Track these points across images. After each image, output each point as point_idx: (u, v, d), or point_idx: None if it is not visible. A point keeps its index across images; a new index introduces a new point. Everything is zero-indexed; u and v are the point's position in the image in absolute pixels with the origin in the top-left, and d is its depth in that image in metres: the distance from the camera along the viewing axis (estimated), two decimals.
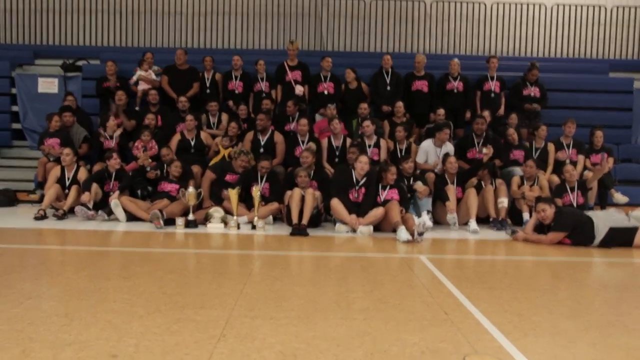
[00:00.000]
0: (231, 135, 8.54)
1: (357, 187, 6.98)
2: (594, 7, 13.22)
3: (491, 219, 7.50)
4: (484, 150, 7.91)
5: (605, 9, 13.22)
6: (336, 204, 6.81)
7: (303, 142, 8.37)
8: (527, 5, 13.28)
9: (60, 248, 5.80)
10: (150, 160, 8.00)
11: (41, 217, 7.23)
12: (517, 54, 13.15)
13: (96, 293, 3.68)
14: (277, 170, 8.16)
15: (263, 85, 9.63)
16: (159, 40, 13.21)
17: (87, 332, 2.87)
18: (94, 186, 7.49)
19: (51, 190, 7.58)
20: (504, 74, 10.00)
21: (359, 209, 6.83)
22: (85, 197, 7.31)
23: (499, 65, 9.89)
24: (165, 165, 7.88)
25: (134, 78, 9.65)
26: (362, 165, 6.95)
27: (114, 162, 7.66)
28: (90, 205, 7.34)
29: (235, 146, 8.35)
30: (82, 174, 7.83)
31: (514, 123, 9.08)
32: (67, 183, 7.78)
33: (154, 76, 9.72)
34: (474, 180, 7.80)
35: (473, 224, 7.12)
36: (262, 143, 8.43)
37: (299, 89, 9.39)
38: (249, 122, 9.03)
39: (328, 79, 9.58)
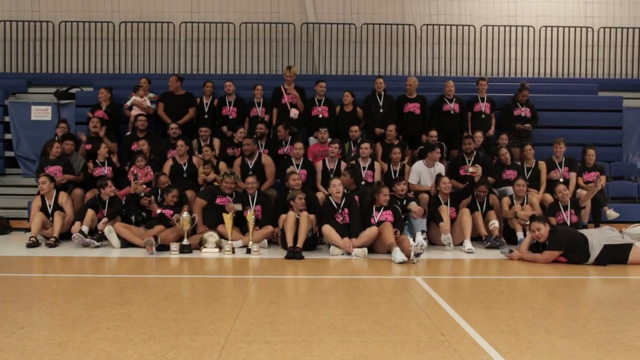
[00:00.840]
0: (207, 159, 8.56)
1: (339, 211, 7.03)
2: (581, 28, 13.44)
3: (483, 238, 7.51)
4: (470, 169, 7.95)
5: (593, 30, 13.44)
6: (328, 230, 6.83)
7: (298, 165, 8.40)
8: (516, 27, 13.49)
9: (53, 276, 5.76)
10: (144, 186, 7.97)
11: (33, 244, 7.18)
12: (507, 75, 13.32)
13: (90, 321, 3.64)
14: (270, 193, 8.16)
15: (259, 110, 9.68)
16: (152, 67, 13.30)
17: None
18: (91, 213, 7.46)
19: (36, 219, 7.54)
20: (494, 95, 10.11)
21: (350, 231, 6.84)
22: (75, 227, 7.30)
23: (489, 87, 10.00)
24: (160, 191, 7.86)
25: (128, 103, 9.68)
26: (336, 188, 7.06)
27: (109, 191, 7.65)
28: (87, 232, 7.31)
29: (215, 167, 8.41)
30: (62, 199, 7.82)
31: (505, 143, 9.15)
32: (50, 210, 7.75)
33: (148, 103, 9.76)
34: (468, 200, 7.85)
35: (468, 243, 7.13)
36: (250, 167, 8.45)
37: (293, 112, 9.45)
38: (243, 146, 9.04)
39: (322, 102, 9.65)
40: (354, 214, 7.01)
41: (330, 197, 7.16)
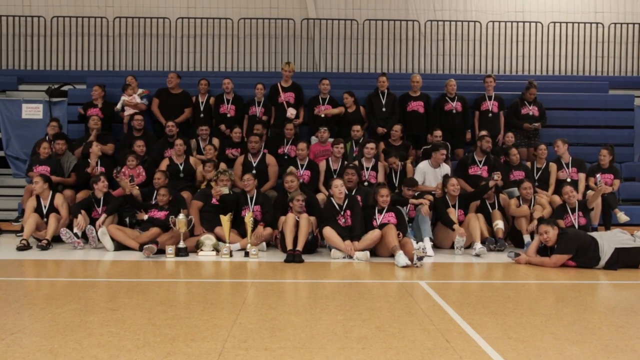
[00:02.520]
0: (210, 158, 8.56)
1: (342, 213, 7.03)
2: (591, 24, 13.44)
3: (484, 240, 7.48)
4: (495, 176, 7.90)
5: (603, 26, 13.45)
6: (329, 232, 6.81)
7: (302, 166, 8.41)
8: (523, 23, 13.49)
9: (44, 280, 5.75)
10: (137, 188, 7.93)
11: (24, 247, 7.18)
12: (514, 73, 13.34)
13: (82, 327, 3.64)
14: (270, 194, 8.16)
15: (258, 110, 9.67)
16: (148, 64, 13.32)
17: None
18: (82, 213, 7.47)
19: (30, 220, 7.53)
20: (500, 93, 10.10)
21: (352, 233, 6.84)
22: (78, 221, 7.33)
23: (495, 85, 10.00)
24: (155, 192, 7.86)
25: (119, 105, 9.67)
26: (338, 189, 7.05)
27: (102, 186, 7.66)
28: (80, 233, 7.31)
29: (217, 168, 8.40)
30: (59, 200, 7.81)
31: (511, 142, 9.14)
32: (45, 211, 7.74)
33: (138, 99, 9.73)
34: (478, 203, 7.86)
35: (478, 245, 7.09)
36: (254, 165, 8.45)
37: (290, 112, 9.44)
38: (242, 146, 9.05)
39: (326, 101, 9.65)
40: (356, 216, 7.01)
41: (332, 198, 7.15)
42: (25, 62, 13.27)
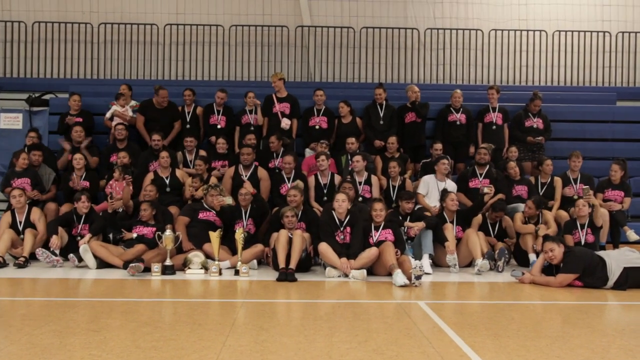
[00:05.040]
0: (200, 174, 8.55)
1: (341, 229, 7.03)
2: (597, 33, 13.56)
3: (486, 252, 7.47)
4: (485, 189, 7.91)
5: (610, 34, 13.57)
6: (325, 248, 6.80)
7: (289, 179, 8.41)
8: (527, 32, 13.60)
9: (21, 299, 5.72)
10: (121, 202, 7.91)
11: (0, 265, 7.13)
12: (517, 83, 13.41)
13: (62, 349, 3.62)
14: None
15: (251, 118, 9.69)
16: (134, 72, 13.33)
17: None
18: (60, 230, 7.44)
19: (5, 236, 7.47)
20: (504, 104, 10.16)
21: (349, 251, 6.84)
22: (53, 240, 7.26)
23: (499, 96, 10.05)
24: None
25: (108, 114, 9.67)
26: (339, 204, 7.05)
27: (82, 206, 7.61)
28: (57, 251, 7.27)
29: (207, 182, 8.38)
30: (36, 215, 7.77)
31: (514, 156, 9.17)
32: (20, 227, 7.70)
33: (130, 113, 9.75)
34: (479, 220, 7.87)
35: (480, 260, 7.08)
36: (246, 179, 8.43)
37: (284, 122, 9.47)
38: (230, 158, 9.05)
39: (321, 112, 9.69)
40: (356, 233, 6.99)
41: (333, 212, 7.13)
42: (5, 69, 13.24)
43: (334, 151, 9.27)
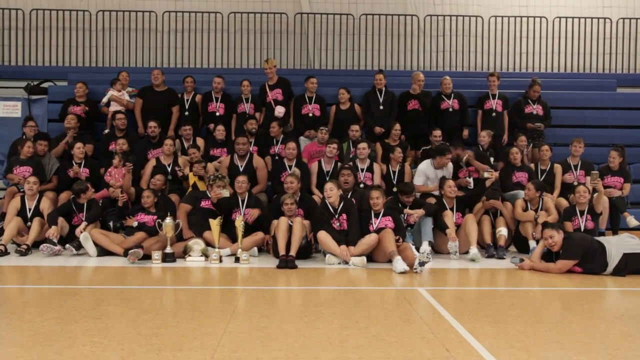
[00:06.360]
0: (195, 160, 8.52)
1: (337, 216, 7.03)
2: (598, 19, 13.50)
3: (485, 246, 7.49)
4: (486, 174, 7.88)
5: (611, 21, 13.51)
6: (324, 236, 6.81)
7: (290, 167, 8.40)
8: (527, 18, 13.54)
9: (23, 287, 5.73)
10: (123, 195, 7.89)
11: (2, 252, 7.14)
12: (517, 70, 13.38)
13: (63, 336, 3.63)
14: (261, 198, 8.14)
15: (247, 107, 9.68)
16: (132, 60, 13.28)
17: None
18: (60, 220, 7.42)
19: (12, 224, 7.47)
20: (504, 91, 10.13)
21: (348, 238, 6.85)
22: (51, 231, 7.22)
23: (499, 83, 10.02)
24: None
25: (105, 99, 9.65)
26: (327, 193, 7.07)
27: (89, 195, 7.61)
28: (56, 240, 7.26)
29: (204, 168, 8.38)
30: (45, 204, 7.75)
31: (523, 145, 9.14)
32: (29, 215, 7.69)
33: (127, 97, 9.73)
34: (480, 206, 7.85)
35: (473, 250, 7.12)
36: (241, 169, 8.40)
37: (278, 110, 9.44)
38: (228, 145, 9.04)
39: (313, 100, 9.67)
40: (352, 220, 7.01)
41: (327, 201, 7.15)
42: (3, 57, 13.18)
43: (332, 138, 9.24)
